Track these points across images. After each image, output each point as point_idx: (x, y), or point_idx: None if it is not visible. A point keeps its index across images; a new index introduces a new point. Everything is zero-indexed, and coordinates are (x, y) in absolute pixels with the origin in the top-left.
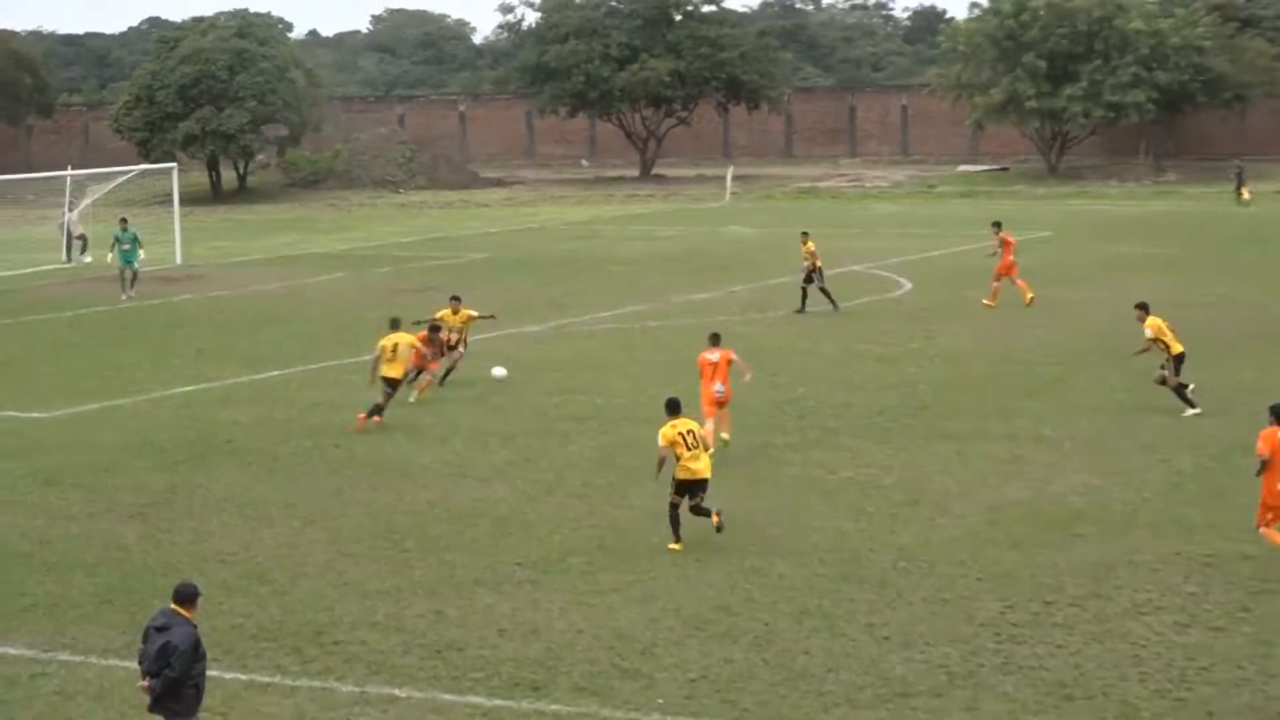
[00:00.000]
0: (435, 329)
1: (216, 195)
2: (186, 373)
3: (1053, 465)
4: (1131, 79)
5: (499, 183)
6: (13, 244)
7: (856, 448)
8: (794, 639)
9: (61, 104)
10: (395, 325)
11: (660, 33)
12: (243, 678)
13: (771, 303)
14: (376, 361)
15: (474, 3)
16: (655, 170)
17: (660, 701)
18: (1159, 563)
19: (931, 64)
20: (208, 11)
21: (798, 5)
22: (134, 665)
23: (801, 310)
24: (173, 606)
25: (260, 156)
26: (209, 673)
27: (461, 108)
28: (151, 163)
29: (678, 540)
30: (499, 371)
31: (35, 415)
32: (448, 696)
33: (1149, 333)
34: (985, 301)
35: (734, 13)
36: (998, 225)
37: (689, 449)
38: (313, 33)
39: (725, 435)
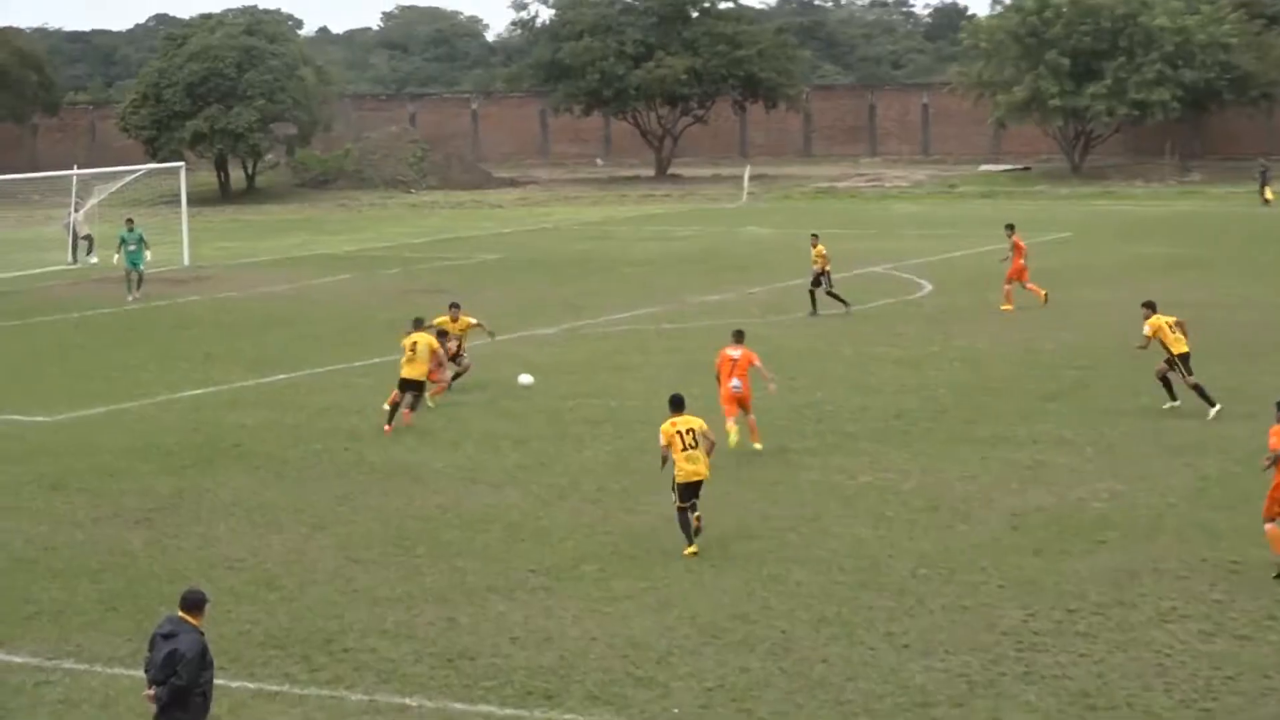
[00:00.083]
0: (442, 334)
1: (224, 195)
2: (193, 375)
3: (1075, 470)
4: (1156, 77)
5: (512, 182)
6: (18, 244)
7: (875, 452)
8: (812, 647)
9: (67, 102)
10: (418, 325)
11: (676, 30)
12: (250, 686)
13: (789, 305)
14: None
15: None
16: (671, 170)
17: (675, 711)
18: (1184, 569)
19: (952, 61)
20: (216, 8)
21: (816, 2)
22: (140, 673)
23: (814, 314)
24: (179, 613)
25: (269, 156)
26: (216, 681)
27: (474, 106)
28: (158, 162)
29: (691, 544)
30: (525, 379)
31: (39, 418)
32: (459, 706)
33: (1146, 330)
34: (1003, 307)
35: (751, 9)
36: (1011, 228)
37: (685, 448)
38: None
39: (757, 446)
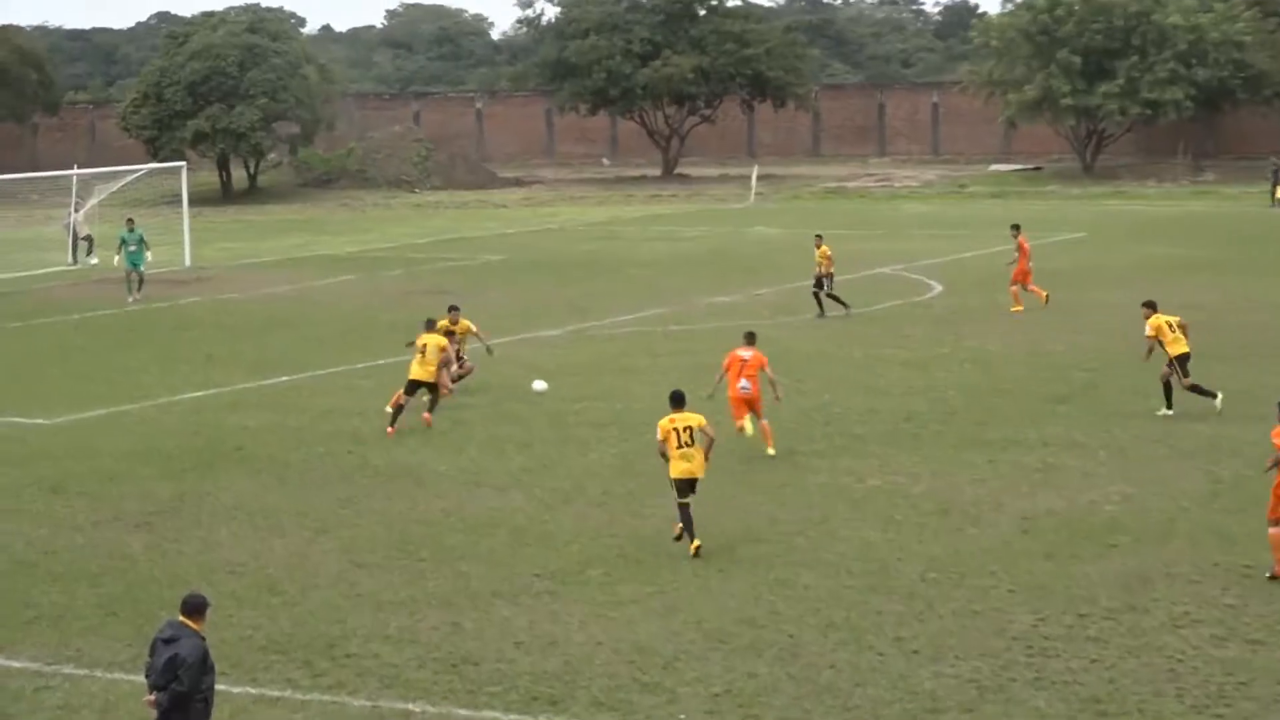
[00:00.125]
0: (449, 333)
1: (226, 195)
2: (194, 378)
3: (1086, 473)
4: (1169, 75)
5: (517, 182)
6: (18, 245)
7: (884, 455)
8: (820, 652)
9: (67, 101)
10: (430, 325)
11: (684, 28)
12: (252, 691)
13: (798, 306)
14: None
15: None
16: (678, 170)
17: (682, 717)
18: (1197, 574)
19: (963, 60)
20: (218, 6)
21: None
22: (140, 679)
23: (821, 315)
24: (180, 618)
25: (271, 155)
26: (217, 686)
27: (479, 105)
28: (160, 161)
29: (693, 539)
30: (539, 385)
31: (39, 421)
32: (463, 711)
33: (1147, 330)
34: (1013, 309)
35: (760, 7)
36: (1017, 228)
37: (680, 445)
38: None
39: (770, 451)
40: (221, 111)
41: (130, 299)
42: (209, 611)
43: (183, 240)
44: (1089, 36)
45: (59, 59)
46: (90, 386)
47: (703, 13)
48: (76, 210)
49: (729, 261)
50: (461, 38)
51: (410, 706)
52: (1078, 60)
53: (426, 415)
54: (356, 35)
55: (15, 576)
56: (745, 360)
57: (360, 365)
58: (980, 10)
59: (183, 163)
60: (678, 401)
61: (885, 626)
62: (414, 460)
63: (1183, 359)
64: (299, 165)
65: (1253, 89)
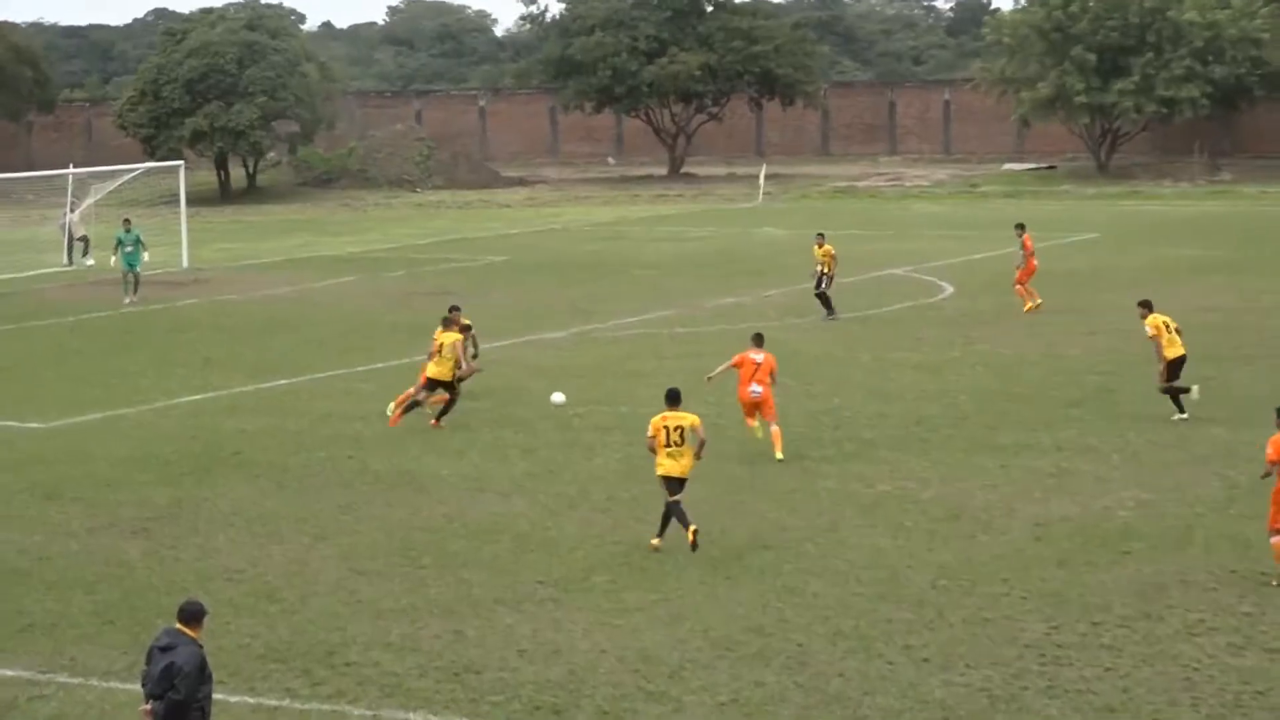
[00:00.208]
0: (467, 328)
1: (225, 195)
2: (192, 381)
3: (1100, 478)
4: (1185, 73)
5: (520, 182)
6: (12, 245)
7: (894, 460)
8: (828, 661)
9: (63, 99)
10: (448, 325)
11: (690, 24)
12: (250, 700)
13: (806, 308)
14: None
15: None
16: (685, 169)
17: None
18: (1212, 581)
19: (975, 57)
20: (216, 3)
21: None
22: (136, 687)
23: (831, 315)
24: (177, 626)
25: (271, 154)
26: (215, 695)
27: (482, 103)
28: (157, 161)
29: (688, 528)
30: (558, 398)
31: (34, 425)
32: None
33: (1149, 330)
34: (1026, 308)
35: (768, 4)
36: (1021, 227)
37: (668, 444)
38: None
39: (779, 455)
40: (220, 110)
41: (127, 300)
42: (206, 619)
43: (180, 241)
44: (1103, 33)
45: (54, 56)
46: (86, 390)
47: (710, 9)
48: (72, 210)
49: (736, 263)
50: (464, 34)
51: (411, 716)
52: (1092, 57)
53: (434, 421)
54: (357, 32)
55: (9, 584)
56: (758, 364)
57: (361, 368)
58: (993, 6)
59: (180, 162)
60: (672, 399)
61: (895, 634)
62: (415, 465)
63: (1178, 363)
64: (299, 164)
65: (1271, 86)
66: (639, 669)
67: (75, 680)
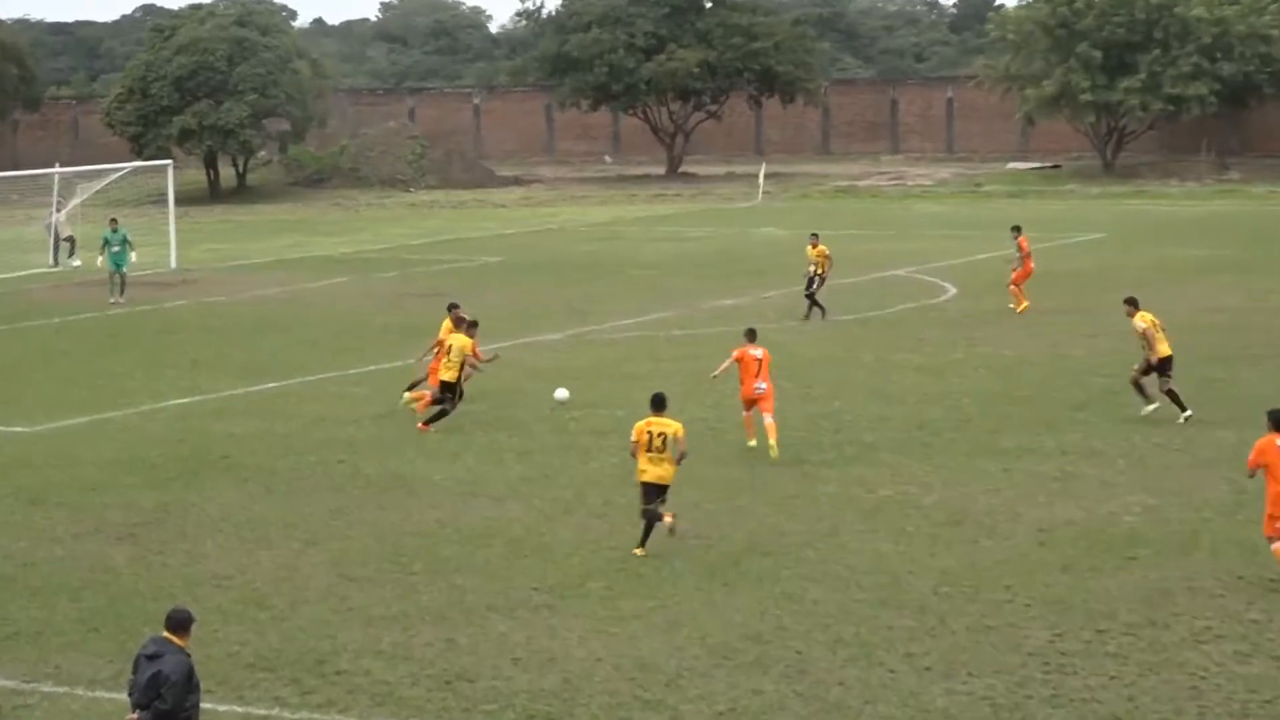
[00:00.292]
0: (474, 324)
1: (214, 194)
2: (180, 383)
3: (1105, 483)
4: (1193, 70)
5: (516, 181)
6: None
7: (896, 464)
8: (828, 669)
9: (49, 97)
10: (460, 324)
11: (689, 21)
12: (239, 710)
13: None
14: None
15: None
16: (683, 168)
17: None
18: (1219, 588)
19: (979, 54)
20: None
21: None
22: (123, 697)
23: (825, 313)
24: (164, 634)
25: (261, 153)
26: (203, 704)
27: (476, 101)
28: (145, 159)
29: (663, 518)
30: (561, 394)
31: (18, 429)
32: None
33: (1140, 326)
34: (1016, 307)
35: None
36: (1018, 229)
37: (649, 450)
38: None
39: (773, 445)
40: (209, 108)
41: (111, 300)
42: (194, 627)
43: (169, 241)
44: (1109, 29)
45: (41, 53)
46: (72, 392)
47: (709, 5)
48: (58, 210)
49: (735, 263)
50: (458, 31)
51: None
52: (1098, 54)
53: (422, 425)
54: (349, 28)
55: None
56: (760, 359)
57: (352, 371)
58: (997, 2)
59: (169, 161)
60: (658, 404)
61: (896, 642)
62: (407, 469)
63: (1166, 363)
64: (289, 163)
65: None
66: (635, 677)
67: (60, 689)
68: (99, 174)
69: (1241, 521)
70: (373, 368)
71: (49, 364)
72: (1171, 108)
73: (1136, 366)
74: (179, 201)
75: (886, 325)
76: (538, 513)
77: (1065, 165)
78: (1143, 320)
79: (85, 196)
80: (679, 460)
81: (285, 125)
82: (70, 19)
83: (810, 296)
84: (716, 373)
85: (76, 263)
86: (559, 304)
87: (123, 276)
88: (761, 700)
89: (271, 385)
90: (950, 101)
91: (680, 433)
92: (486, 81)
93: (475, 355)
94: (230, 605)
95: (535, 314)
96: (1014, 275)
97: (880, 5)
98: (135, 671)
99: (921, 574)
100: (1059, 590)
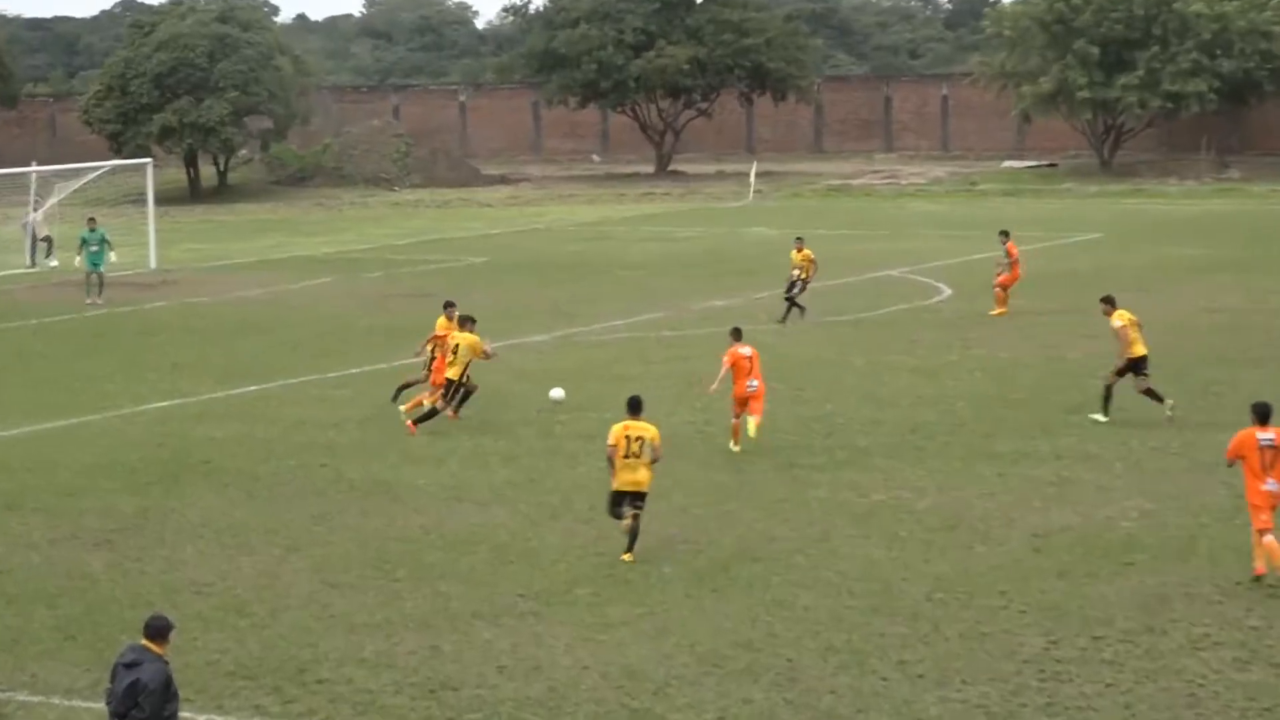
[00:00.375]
0: (470, 320)
1: (194, 193)
2: (160, 386)
3: (1102, 487)
4: (1192, 67)
5: (502, 180)
6: None
7: (889, 468)
8: (819, 677)
9: (26, 94)
10: (465, 323)
11: (679, 17)
12: (218, 719)
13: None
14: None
15: None
16: (672, 166)
17: None
18: (1218, 594)
19: (974, 51)
20: None
21: None
22: (100, 706)
23: (804, 312)
24: (143, 641)
25: (243, 151)
26: (182, 713)
27: (462, 98)
28: (124, 158)
29: (625, 517)
30: (557, 394)
31: None
32: None
33: (1117, 323)
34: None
35: None
36: (1005, 234)
37: (626, 455)
38: (301, 17)
39: (753, 433)
40: (190, 105)
41: (88, 300)
42: (173, 634)
43: (148, 241)
44: (1107, 26)
45: (17, 49)
46: (49, 396)
47: (699, 1)
48: (35, 209)
49: (726, 263)
50: (444, 27)
51: None
52: (1095, 51)
53: (411, 424)
54: (333, 24)
55: None
56: (749, 358)
57: (334, 374)
58: None
59: (148, 159)
60: (634, 408)
61: (889, 649)
62: (391, 474)
63: (1140, 362)
64: (271, 162)
65: None
66: (623, 685)
67: (36, 698)
68: (77, 173)
69: (1240, 527)
70: (356, 370)
71: (26, 366)
72: (1170, 105)
73: (1113, 368)
74: (159, 201)
75: (879, 327)
76: (523, 518)
77: (1062, 164)
78: (1120, 319)
79: (63, 195)
80: (652, 464)
81: (267, 123)
82: (48, 14)
83: (789, 299)
84: (714, 386)
85: (54, 263)
86: (546, 305)
87: (100, 277)
88: (751, 709)
89: (253, 388)
90: (945, 99)
91: (657, 438)
92: (472, 79)
93: (484, 350)
94: (210, 612)
95: (521, 315)
96: (1001, 279)
97: (874, 1)
98: (113, 680)
99: (915, 580)
100: (1054, 596)
